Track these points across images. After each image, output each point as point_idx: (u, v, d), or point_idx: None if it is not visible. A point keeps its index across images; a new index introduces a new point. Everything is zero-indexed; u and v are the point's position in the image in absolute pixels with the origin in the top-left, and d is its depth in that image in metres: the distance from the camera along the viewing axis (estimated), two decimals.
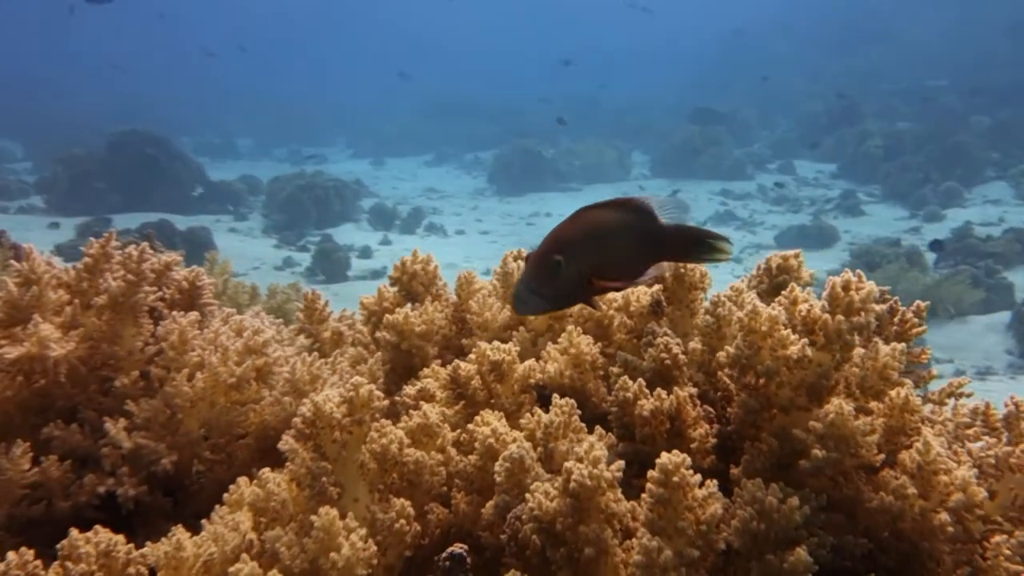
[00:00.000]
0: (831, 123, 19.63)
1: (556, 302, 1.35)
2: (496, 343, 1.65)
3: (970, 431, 1.47)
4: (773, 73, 22.12)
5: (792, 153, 18.89)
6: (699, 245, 1.34)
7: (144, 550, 1.24)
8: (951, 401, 1.58)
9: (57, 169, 14.06)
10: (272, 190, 14.72)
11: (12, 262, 1.74)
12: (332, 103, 29.70)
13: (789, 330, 1.33)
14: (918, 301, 1.64)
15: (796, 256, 1.78)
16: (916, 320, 1.61)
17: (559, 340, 1.72)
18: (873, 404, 1.38)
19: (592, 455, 1.23)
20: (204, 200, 14.52)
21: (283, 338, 2.01)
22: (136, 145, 14.21)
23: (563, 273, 1.28)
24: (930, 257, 10.61)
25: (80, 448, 1.70)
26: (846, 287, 1.34)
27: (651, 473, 1.20)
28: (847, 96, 19.35)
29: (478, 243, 12.93)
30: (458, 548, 1.40)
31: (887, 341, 1.52)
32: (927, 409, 1.61)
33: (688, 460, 1.20)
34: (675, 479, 1.18)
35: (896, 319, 1.60)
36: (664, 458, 1.19)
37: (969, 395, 1.57)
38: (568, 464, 1.22)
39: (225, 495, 1.44)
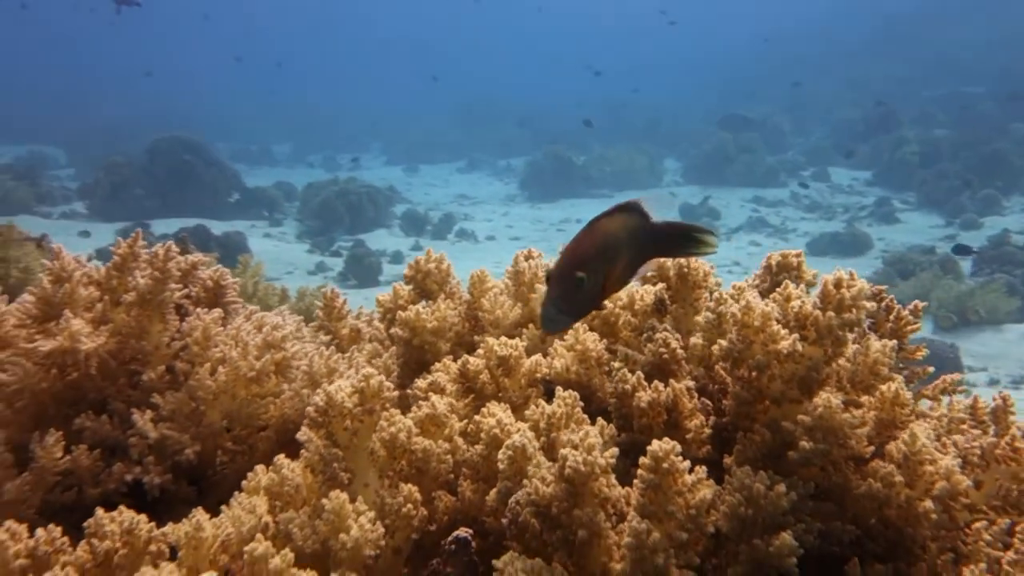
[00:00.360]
0: (867, 130, 19.50)
1: (580, 315, 1.41)
2: (503, 339, 1.71)
3: (964, 426, 1.51)
4: (808, 80, 22.03)
5: (827, 160, 18.78)
6: (686, 239, 1.40)
7: (165, 529, 1.32)
8: (945, 398, 1.62)
9: (99, 175, 14.38)
10: (306, 196, 14.92)
11: (44, 261, 1.83)
12: (366, 110, 29.98)
13: (780, 326, 1.38)
14: (916, 301, 1.68)
15: (797, 255, 1.82)
16: (911, 318, 1.65)
17: (566, 337, 1.78)
18: (864, 398, 1.43)
19: (587, 443, 1.29)
20: (240, 206, 14.75)
21: (304, 335, 2.09)
22: (174, 152, 14.48)
23: (586, 287, 1.33)
24: (965, 266, 10.52)
25: (109, 438, 1.78)
26: (838, 284, 1.39)
27: (642, 460, 1.26)
28: (885, 103, 19.20)
29: (508, 249, 12.99)
30: (463, 532, 1.46)
31: (882, 338, 1.57)
32: (926, 405, 1.66)
33: (678, 447, 1.25)
34: (665, 465, 1.24)
35: (892, 316, 1.64)
36: (655, 445, 1.25)
37: (964, 391, 1.61)
38: (564, 451, 1.28)
39: (243, 482, 1.51)
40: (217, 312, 1.81)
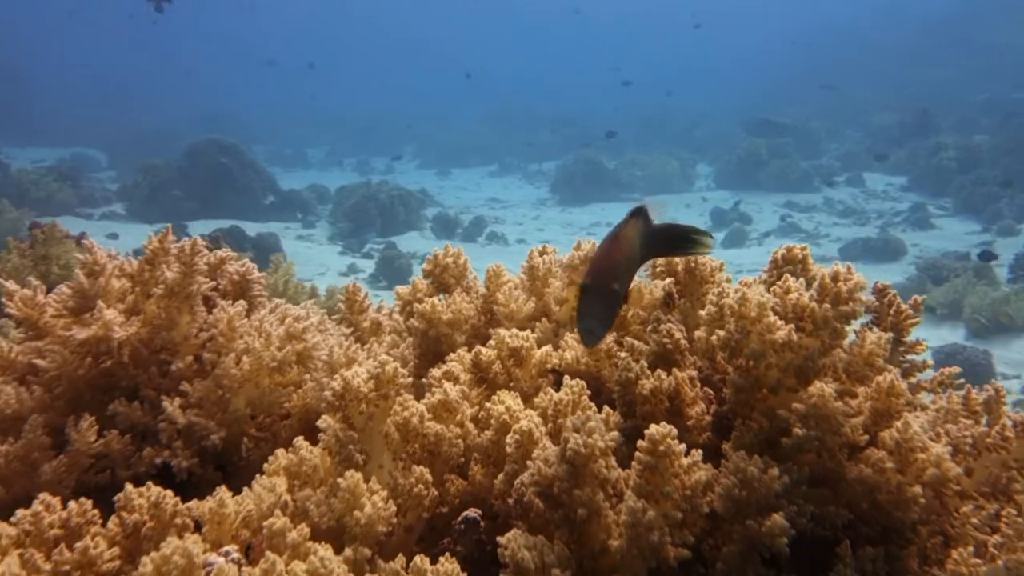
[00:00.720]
0: (903, 135, 19.34)
1: (612, 322, 1.46)
2: (515, 331, 1.77)
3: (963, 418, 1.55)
4: (845, 84, 21.87)
5: (862, 165, 18.64)
6: (684, 241, 1.46)
7: (190, 504, 1.40)
8: (944, 390, 1.66)
9: (138, 178, 14.67)
10: (339, 199, 15.10)
11: (79, 256, 1.92)
12: (400, 114, 30.20)
13: (775, 316, 1.43)
14: (915, 296, 1.72)
15: (802, 249, 1.86)
16: (912, 312, 1.69)
17: (576, 329, 1.84)
18: (861, 389, 1.47)
19: (587, 426, 1.35)
20: (275, 208, 14.96)
21: (328, 327, 2.16)
22: (211, 155, 14.72)
23: (619, 296, 1.39)
24: (1001, 272, 10.41)
25: (140, 423, 1.87)
26: (835, 278, 1.44)
27: (640, 443, 1.31)
28: (926, 108, 19.02)
29: None
30: (472, 512, 1.53)
31: (884, 332, 1.61)
32: (928, 398, 1.69)
33: (674, 431, 1.31)
34: (662, 448, 1.29)
35: (892, 311, 1.69)
36: (652, 429, 1.30)
37: (960, 384, 1.65)
38: (566, 434, 1.34)
39: (265, 464, 1.59)
40: (241, 304, 1.89)
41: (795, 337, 1.41)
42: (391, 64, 47.45)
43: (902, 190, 17.14)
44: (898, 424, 1.36)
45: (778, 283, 1.52)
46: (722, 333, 1.47)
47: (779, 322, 1.43)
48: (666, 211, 1.44)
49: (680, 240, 1.47)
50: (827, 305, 1.41)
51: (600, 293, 1.36)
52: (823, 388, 1.37)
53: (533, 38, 49.06)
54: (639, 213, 1.44)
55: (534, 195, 19.43)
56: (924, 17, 28.95)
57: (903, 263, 12.34)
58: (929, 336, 8.94)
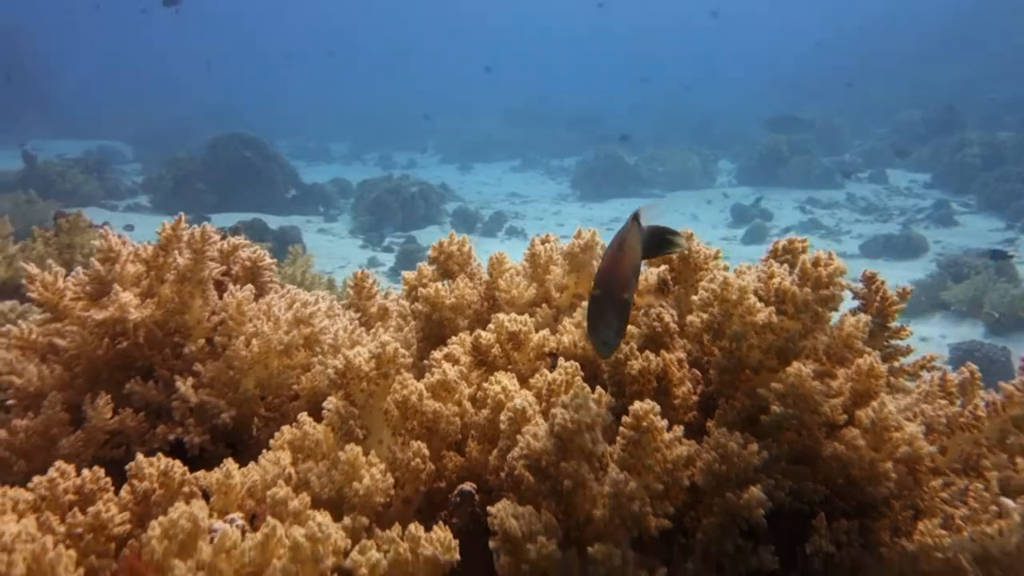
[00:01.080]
0: (928, 132, 19.22)
1: (625, 330, 1.52)
2: (514, 315, 1.84)
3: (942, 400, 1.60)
4: (869, 81, 21.75)
5: (885, 162, 18.55)
6: (664, 242, 1.52)
7: (197, 473, 1.47)
8: (925, 374, 1.71)
9: (163, 171, 14.87)
10: (361, 193, 15.22)
11: (95, 242, 2.00)
12: (422, 110, 30.33)
13: (756, 299, 1.49)
14: (903, 284, 1.77)
15: (802, 241, 1.91)
16: (897, 299, 1.74)
17: (574, 314, 1.90)
18: (842, 371, 1.53)
19: (575, 403, 1.41)
20: (297, 201, 15.11)
21: (335, 312, 2.24)
22: (235, 148, 14.90)
23: (630, 303, 1.44)
24: (1022, 269, 10.35)
25: (155, 402, 1.95)
26: (816, 263, 1.49)
27: (624, 418, 1.38)
28: (951, 105, 18.88)
29: None
30: (467, 486, 1.60)
31: (870, 317, 1.66)
32: (912, 383, 1.74)
33: (657, 407, 1.37)
34: (645, 423, 1.36)
35: (879, 297, 1.73)
36: (636, 405, 1.37)
37: (939, 367, 1.70)
38: (554, 410, 1.41)
39: (271, 440, 1.66)
40: (250, 289, 1.97)
41: (775, 319, 1.46)
42: (413, 59, 47.56)
43: (926, 187, 17.05)
44: (874, 404, 1.41)
45: (762, 268, 1.57)
46: (705, 315, 1.53)
47: (759, 304, 1.48)
48: (661, 212, 1.50)
49: (663, 242, 1.53)
50: (807, 289, 1.47)
51: (612, 303, 1.41)
52: (801, 368, 1.42)
53: (553, 32, 49.02)
54: (636, 218, 1.50)
55: (555, 190, 19.49)
56: (947, 16, 28.68)
57: (924, 260, 12.29)
58: (948, 333, 8.94)
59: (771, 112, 21.77)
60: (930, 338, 8.62)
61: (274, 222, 11.58)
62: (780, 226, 14.51)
